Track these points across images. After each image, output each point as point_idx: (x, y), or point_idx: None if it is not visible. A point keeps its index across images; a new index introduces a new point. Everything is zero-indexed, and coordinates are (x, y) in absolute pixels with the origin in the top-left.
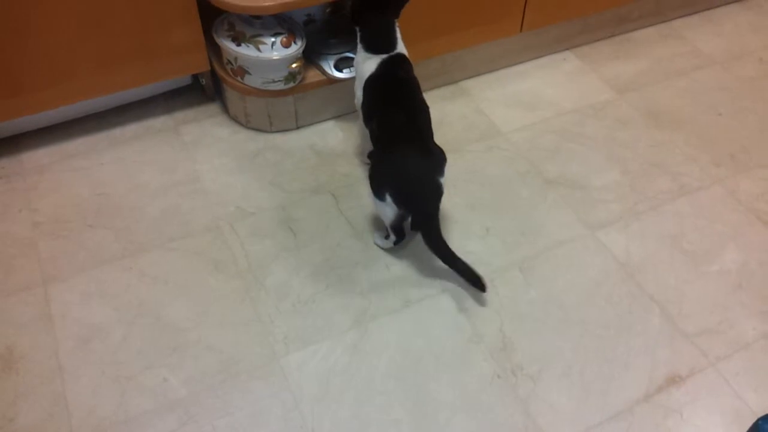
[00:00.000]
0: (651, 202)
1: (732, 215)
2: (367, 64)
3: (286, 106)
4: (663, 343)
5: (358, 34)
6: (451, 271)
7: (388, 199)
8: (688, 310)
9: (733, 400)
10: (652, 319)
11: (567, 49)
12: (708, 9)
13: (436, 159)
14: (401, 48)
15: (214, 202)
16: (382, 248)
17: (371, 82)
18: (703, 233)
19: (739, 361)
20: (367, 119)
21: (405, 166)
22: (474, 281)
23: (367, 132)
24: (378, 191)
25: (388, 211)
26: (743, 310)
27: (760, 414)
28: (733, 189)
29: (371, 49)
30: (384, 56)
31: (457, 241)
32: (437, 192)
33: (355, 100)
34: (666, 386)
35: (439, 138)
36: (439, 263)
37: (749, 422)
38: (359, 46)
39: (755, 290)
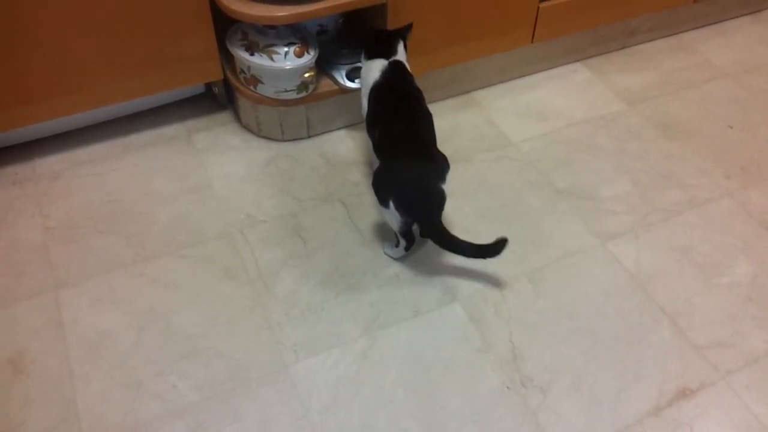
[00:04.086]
0: (661, 214)
1: (742, 227)
2: (371, 72)
3: (298, 115)
4: (673, 355)
5: (363, 52)
6: (460, 279)
7: (392, 206)
8: (699, 323)
9: (744, 414)
10: (662, 331)
11: (578, 60)
12: (718, 22)
13: (438, 165)
14: (401, 57)
15: (225, 209)
16: (393, 258)
17: (375, 91)
18: (713, 245)
19: (750, 375)
20: (371, 128)
21: (406, 173)
22: (495, 249)
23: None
24: (381, 198)
25: (393, 217)
26: (754, 323)
27: None
28: (744, 201)
29: (371, 53)
30: (384, 62)
31: None
32: (439, 198)
33: (362, 110)
34: (676, 399)
35: (450, 148)
36: (448, 272)
37: None
38: (362, 59)
39: (766, 303)
